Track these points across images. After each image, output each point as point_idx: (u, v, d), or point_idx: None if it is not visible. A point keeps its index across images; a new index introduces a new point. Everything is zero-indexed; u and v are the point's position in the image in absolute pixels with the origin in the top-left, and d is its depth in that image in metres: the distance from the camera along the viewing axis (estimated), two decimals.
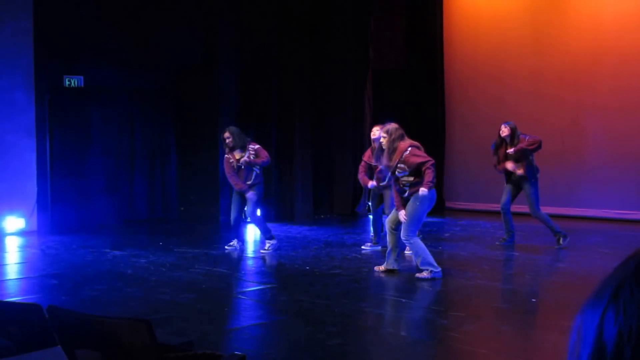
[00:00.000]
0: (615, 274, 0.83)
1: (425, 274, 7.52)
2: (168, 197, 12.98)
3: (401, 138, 7.52)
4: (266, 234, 9.44)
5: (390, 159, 7.49)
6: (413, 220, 7.47)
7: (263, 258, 9.22)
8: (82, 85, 11.76)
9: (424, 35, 14.06)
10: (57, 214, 11.40)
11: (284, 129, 12.77)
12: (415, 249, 7.57)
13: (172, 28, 12.25)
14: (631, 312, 0.78)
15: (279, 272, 8.61)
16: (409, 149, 7.43)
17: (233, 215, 9.55)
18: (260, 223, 9.47)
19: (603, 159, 12.23)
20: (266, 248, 9.41)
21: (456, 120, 13.97)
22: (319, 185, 13.29)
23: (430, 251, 8.53)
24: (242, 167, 9.25)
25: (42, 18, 11.00)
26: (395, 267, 7.87)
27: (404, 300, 6.95)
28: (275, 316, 6.52)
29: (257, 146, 9.34)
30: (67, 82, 11.62)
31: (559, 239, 9.36)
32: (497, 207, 13.09)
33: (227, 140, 9.26)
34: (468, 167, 13.48)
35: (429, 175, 7.36)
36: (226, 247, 9.71)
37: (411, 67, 14.11)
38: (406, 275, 7.76)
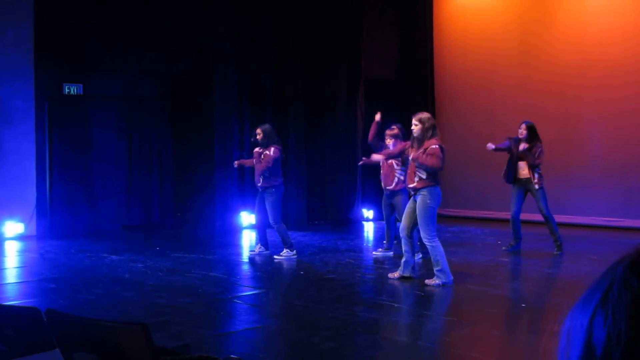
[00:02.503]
0: (603, 278, 0.83)
1: (436, 281, 7.53)
2: (165, 203, 13.05)
3: (434, 129, 7.55)
4: (285, 242, 9.40)
5: (418, 147, 7.52)
6: (428, 218, 7.47)
7: (257, 262, 9.30)
8: (82, 93, 11.85)
9: (415, 46, 14.26)
10: (55, 219, 11.48)
11: (279, 137, 12.86)
12: (435, 253, 7.53)
13: (169, 37, 12.35)
14: (620, 315, 0.78)
15: (273, 276, 8.69)
16: (436, 146, 7.46)
17: (257, 218, 9.64)
18: (280, 230, 9.37)
19: (589, 168, 12.39)
20: (281, 254, 9.40)
21: (446, 128, 14.09)
22: (312, 192, 13.38)
23: (422, 257, 8.67)
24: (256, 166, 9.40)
25: (43, 27, 11.10)
26: (412, 275, 7.80)
27: (396, 305, 7.02)
28: (270, 320, 6.60)
29: (271, 149, 9.30)
30: (67, 90, 11.70)
31: (558, 246, 9.55)
32: (486, 213, 13.25)
33: (258, 137, 9.39)
34: (458, 175, 13.60)
35: (428, 159, 7.39)
36: (250, 252, 9.83)
37: (402, 77, 14.27)
38: (399, 281, 7.84)
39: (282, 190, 9.47)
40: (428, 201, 7.46)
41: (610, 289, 0.81)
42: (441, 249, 7.58)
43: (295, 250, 9.47)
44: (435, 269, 7.60)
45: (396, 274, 7.88)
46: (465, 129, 13.85)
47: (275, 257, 9.40)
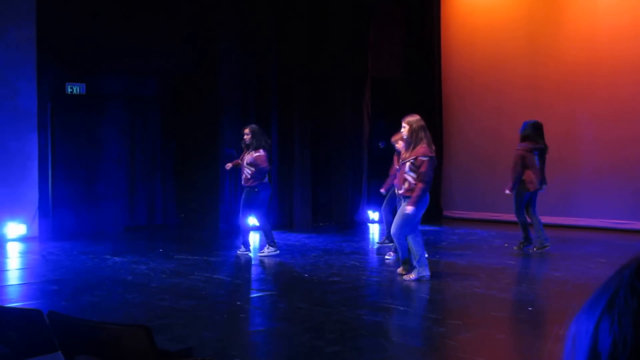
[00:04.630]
0: (609, 283, 0.82)
1: (412, 276, 7.76)
2: (168, 204, 13.02)
3: (424, 130, 7.65)
4: (268, 239, 9.52)
5: (409, 150, 7.60)
6: (406, 219, 7.60)
7: (262, 264, 9.27)
8: (84, 93, 11.84)
9: (422, 45, 14.20)
10: (58, 221, 11.46)
11: (284, 137, 12.84)
12: (413, 247, 7.76)
13: (173, 36, 12.33)
14: (626, 322, 0.77)
15: (277, 279, 8.66)
16: (427, 158, 7.53)
17: (240, 219, 9.67)
18: (264, 228, 9.54)
19: (598, 168, 12.29)
20: (264, 252, 9.50)
21: (453, 129, 14.04)
22: (318, 193, 13.34)
23: (427, 259, 8.62)
24: (243, 166, 9.40)
25: (45, 26, 11.09)
26: (426, 273, 7.89)
27: (401, 308, 6.99)
28: (274, 323, 6.57)
29: (261, 153, 9.31)
30: (69, 90, 11.69)
31: (520, 246, 9.68)
32: (493, 215, 13.19)
33: (245, 137, 9.38)
34: (465, 176, 13.55)
35: (417, 191, 7.50)
36: (238, 252, 9.85)
37: (409, 76, 14.21)
38: (404, 283, 7.81)
39: (269, 191, 9.59)
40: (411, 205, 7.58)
41: (617, 294, 0.79)
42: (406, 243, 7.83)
43: (250, 250, 9.60)
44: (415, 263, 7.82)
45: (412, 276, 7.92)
46: (473, 128, 13.77)
47: (258, 254, 9.54)
